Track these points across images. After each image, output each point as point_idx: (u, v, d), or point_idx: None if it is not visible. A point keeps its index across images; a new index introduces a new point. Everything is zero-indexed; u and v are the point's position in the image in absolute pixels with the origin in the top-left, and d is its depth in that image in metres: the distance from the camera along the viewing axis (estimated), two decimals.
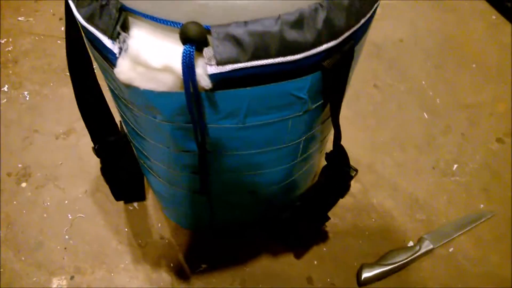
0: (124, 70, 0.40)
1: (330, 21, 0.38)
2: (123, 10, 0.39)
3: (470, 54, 1.12)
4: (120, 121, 0.64)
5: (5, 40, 1.10)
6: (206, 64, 0.37)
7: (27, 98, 0.98)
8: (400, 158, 0.91)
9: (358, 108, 0.98)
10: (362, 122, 0.96)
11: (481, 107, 1.01)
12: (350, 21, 0.40)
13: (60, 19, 1.15)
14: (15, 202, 0.81)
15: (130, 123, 0.53)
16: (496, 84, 1.05)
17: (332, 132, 0.55)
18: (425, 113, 0.98)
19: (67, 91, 0.99)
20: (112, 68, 0.41)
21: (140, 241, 0.78)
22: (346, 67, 0.45)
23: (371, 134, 0.94)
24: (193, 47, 0.36)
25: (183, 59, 0.36)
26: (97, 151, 0.63)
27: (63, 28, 1.14)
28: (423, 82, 1.04)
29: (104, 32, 0.40)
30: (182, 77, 0.38)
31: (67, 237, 0.77)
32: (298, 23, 0.37)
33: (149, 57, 0.38)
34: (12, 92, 0.99)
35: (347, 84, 0.49)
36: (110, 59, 0.42)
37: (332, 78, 0.43)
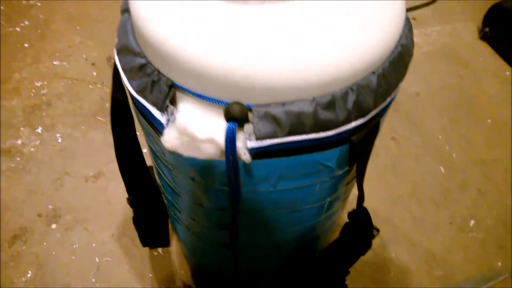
0: (170, 139, 0.44)
1: (359, 103, 0.42)
2: (173, 86, 0.43)
3: (485, 109, 1.15)
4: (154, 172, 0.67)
5: (40, 83, 1.16)
6: (246, 139, 0.41)
7: (59, 141, 1.03)
8: (417, 212, 0.93)
9: (377, 161, 1.01)
10: (380, 175, 0.98)
11: (496, 162, 1.03)
12: (377, 101, 0.44)
13: (92, 64, 1.22)
14: (45, 243, 0.85)
15: (166, 179, 0.57)
16: (511, 139, 1.08)
17: (354, 188, 0.58)
18: (441, 167, 1.01)
19: (97, 135, 1.04)
20: (159, 136, 0.45)
21: (163, 287, 0.80)
22: (372, 139, 0.48)
23: (389, 187, 0.97)
24: (236, 124, 0.40)
25: (226, 135, 0.40)
26: (132, 202, 0.67)
27: (95, 73, 1.22)
28: (439, 136, 1.08)
29: (154, 104, 0.44)
30: (224, 149, 0.42)
31: (93, 280, 0.80)
32: (330, 104, 0.41)
33: (194, 130, 0.42)
34: (45, 134, 1.04)
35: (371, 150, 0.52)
36: (157, 127, 0.46)
37: (359, 150, 0.47)
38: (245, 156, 0.41)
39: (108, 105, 1.12)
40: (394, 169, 1.00)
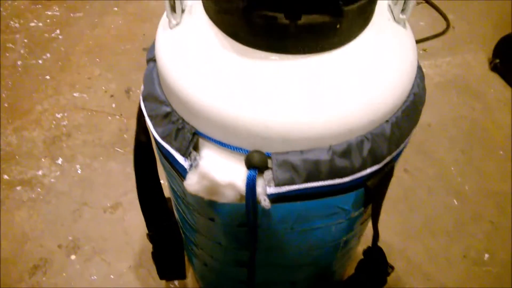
0: (193, 183, 0.46)
1: (374, 150, 0.44)
2: (196, 134, 0.45)
3: (497, 140, 1.16)
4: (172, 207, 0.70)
5: (61, 114, 1.20)
6: (266, 185, 0.43)
7: (79, 171, 1.06)
8: (431, 245, 0.93)
9: (389, 192, 1.01)
10: (393, 207, 0.99)
11: (509, 194, 1.03)
12: (391, 148, 0.46)
13: (111, 96, 1.25)
14: (64, 274, 0.87)
15: (185, 217, 0.59)
16: None
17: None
18: (454, 200, 1.02)
19: (115, 165, 1.07)
20: (182, 179, 0.48)
21: None
22: (387, 183, 0.50)
23: (402, 219, 0.97)
24: (256, 172, 0.42)
25: (247, 182, 0.42)
26: (151, 238, 0.69)
27: (113, 105, 1.25)
28: (452, 168, 1.08)
29: (177, 150, 0.46)
30: (244, 194, 0.44)
31: None
32: (346, 152, 0.43)
33: (216, 175, 0.44)
34: (65, 165, 1.08)
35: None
36: (180, 171, 0.48)
37: (374, 194, 0.48)
38: (264, 202, 0.43)
39: (126, 136, 1.16)
40: (407, 201, 1.01)
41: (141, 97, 0.53)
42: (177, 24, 0.47)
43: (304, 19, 0.39)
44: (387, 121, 0.45)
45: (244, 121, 0.41)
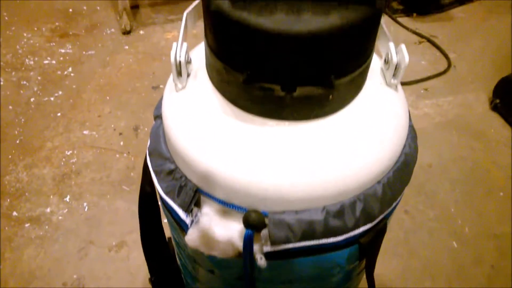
0: (193, 238, 0.49)
1: (366, 210, 0.46)
2: (198, 191, 0.48)
3: (497, 182, 1.17)
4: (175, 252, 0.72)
5: (70, 152, 1.24)
6: (263, 244, 0.45)
7: (86, 209, 1.09)
8: None
9: (390, 235, 1.03)
10: (394, 249, 1.00)
11: (509, 237, 1.04)
12: (383, 208, 0.48)
13: (120, 133, 1.29)
14: None
15: (186, 266, 0.61)
16: None
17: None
18: (454, 242, 1.03)
19: (122, 204, 1.10)
20: (183, 233, 0.50)
21: None
22: (380, 239, 0.52)
23: (403, 262, 0.98)
24: (253, 231, 0.45)
25: (244, 240, 0.45)
26: (153, 283, 0.71)
27: (122, 143, 1.29)
28: (452, 210, 1.10)
29: (180, 206, 0.49)
30: (241, 250, 0.46)
31: None
32: (340, 213, 0.45)
33: (216, 232, 0.47)
34: (73, 202, 1.10)
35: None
36: (181, 225, 0.50)
37: (367, 250, 0.50)
38: (261, 261, 0.45)
39: (133, 174, 1.19)
40: (407, 243, 1.02)
41: (147, 152, 0.56)
42: (183, 88, 0.51)
43: (299, 91, 0.42)
44: (378, 182, 0.47)
45: (243, 183, 0.44)
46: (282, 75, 0.41)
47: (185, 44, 0.49)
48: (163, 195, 0.51)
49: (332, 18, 0.38)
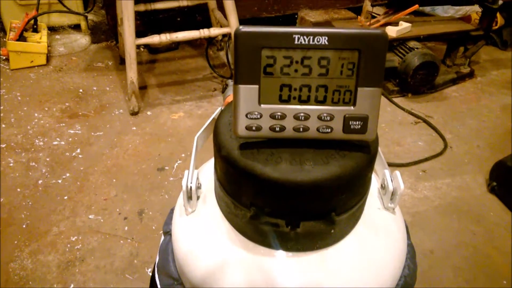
0: None
1: None
2: None
3: (500, 269, 1.18)
4: None
5: (76, 237, 1.26)
6: None
7: None
8: None
9: None
10: None
11: None
12: None
13: (125, 218, 1.31)
14: None
15: None
16: None
17: None
18: None
19: None
20: None
21: None
22: None
23: None
24: None
25: None
26: None
27: (126, 228, 1.31)
28: None
29: None
30: None
31: None
32: None
33: None
34: None
35: None
36: None
37: None
38: None
39: (136, 261, 1.19)
40: None
41: (156, 268, 0.58)
42: (192, 211, 0.54)
43: (302, 227, 0.45)
44: None
45: None
46: (287, 213, 0.45)
47: (195, 172, 0.53)
48: None
49: (332, 167, 0.42)
